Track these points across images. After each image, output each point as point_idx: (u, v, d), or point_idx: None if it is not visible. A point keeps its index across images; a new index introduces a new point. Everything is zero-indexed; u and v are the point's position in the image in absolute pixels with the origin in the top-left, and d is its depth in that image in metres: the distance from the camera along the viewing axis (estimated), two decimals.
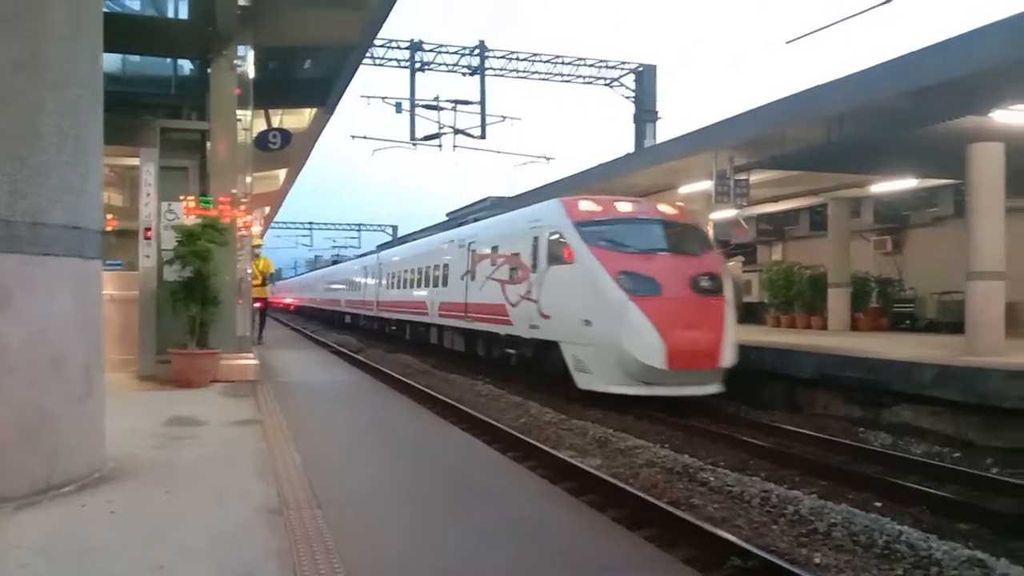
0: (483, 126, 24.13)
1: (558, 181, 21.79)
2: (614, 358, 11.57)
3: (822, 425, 11.14)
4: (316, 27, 11.52)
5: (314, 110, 15.88)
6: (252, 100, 11.97)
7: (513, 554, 4.15)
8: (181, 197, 10.75)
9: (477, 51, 25.56)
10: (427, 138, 24.32)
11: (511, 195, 26.52)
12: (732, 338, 11.92)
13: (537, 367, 14.10)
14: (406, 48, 25.10)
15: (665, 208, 13.69)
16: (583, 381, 12.25)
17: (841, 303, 19.10)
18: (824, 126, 12.85)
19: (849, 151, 13.48)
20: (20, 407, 4.74)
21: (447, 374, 16.59)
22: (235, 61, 11.18)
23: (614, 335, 11.47)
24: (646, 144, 26.79)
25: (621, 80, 28.31)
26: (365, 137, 25.66)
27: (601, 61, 28.23)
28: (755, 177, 15.31)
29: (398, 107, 24.14)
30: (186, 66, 12.66)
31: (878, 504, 7.14)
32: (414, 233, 38.19)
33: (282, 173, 21.22)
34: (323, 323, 41.09)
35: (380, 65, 25.09)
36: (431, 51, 25.48)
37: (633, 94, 28.37)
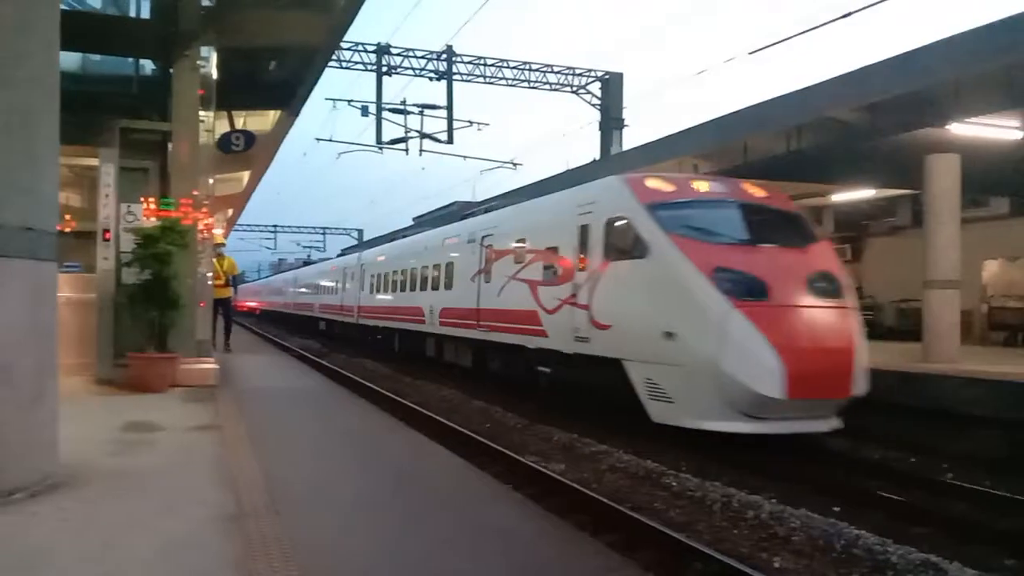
0: (450, 131, 24.06)
1: (522, 188, 21.84)
2: (709, 383, 8.82)
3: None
4: (281, 29, 11.43)
5: (278, 112, 15.73)
6: (215, 101, 11.83)
7: (473, 562, 4.13)
8: (141, 199, 10.59)
9: (445, 56, 25.54)
10: (393, 142, 24.19)
11: (478, 200, 26.48)
12: (864, 357, 9.32)
13: (583, 390, 11.37)
14: (373, 51, 24.99)
15: (752, 188, 10.98)
16: (661, 412, 9.48)
17: None
18: (784, 137, 13.06)
19: (809, 161, 13.71)
20: None
21: (412, 379, 16.50)
22: (198, 62, 11.05)
23: (710, 352, 8.76)
24: (612, 151, 26.98)
25: (587, 87, 28.49)
26: (331, 140, 25.45)
27: (568, 68, 28.38)
28: None
29: (364, 110, 23.98)
30: (148, 66, 12.47)
31: (836, 509, 7.23)
32: (400, 231, 35.19)
33: (245, 175, 20.99)
34: (290, 328, 39.35)
35: (346, 68, 24.96)
36: (398, 55, 25.40)
37: (599, 102, 28.55)
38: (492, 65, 27.04)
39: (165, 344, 10.14)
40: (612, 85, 28.58)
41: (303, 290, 37.98)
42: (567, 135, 70.52)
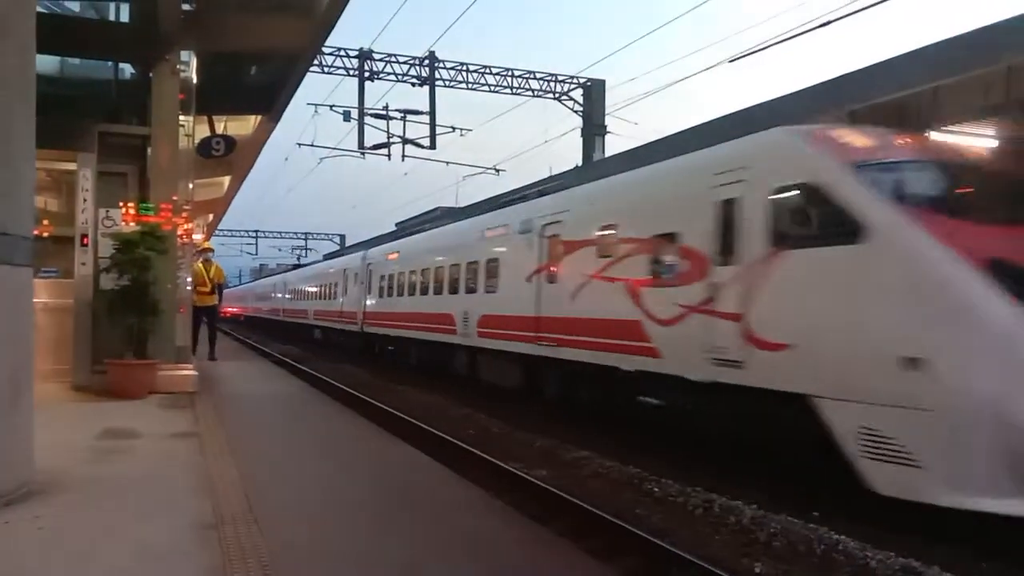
0: (432, 136, 24.06)
1: (506, 192, 21.83)
2: (985, 438, 5.79)
3: None
4: (262, 33, 11.36)
5: (259, 117, 15.65)
6: (195, 106, 11.75)
7: (454, 570, 4.11)
8: (120, 203, 10.49)
9: (427, 62, 25.52)
10: (376, 147, 24.15)
11: (461, 205, 26.42)
12: None
13: (723, 434, 8.52)
14: (355, 57, 24.95)
15: (970, 145, 8.43)
16: (892, 481, 6.21)
17: None
18: None
19: None
20: None
21: (394, 385, 16.43)
22: (178, 66, 10.96)
23: (989, 390, 5.77)
24: (595, 158, 27.03)
25: (570, 94, 28.57)
26: (313, 145, 25.39)
27: (551, 75, 28.44)
28: None
29: (346, 116, 23.93)
30: (127, 70, 12.37)
31: (816, 513, 7.27)
32: (413, 225, 30.13)
33: (226, 180, 20.86)
34: (274, 335, 37.83)
35: (328, 73, 24.88)
36: (381, 60, 25.37)
37: (581, 108, 28.63)
38: (475, 71, 27.07)
39: (144, 350, 10.04)
40: (594, 92, 28.66)
41: (294, 294, 35.02)
42: (548, 141, 70.59)
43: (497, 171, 26.55)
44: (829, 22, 11.64)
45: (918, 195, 6.92)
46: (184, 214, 11.19)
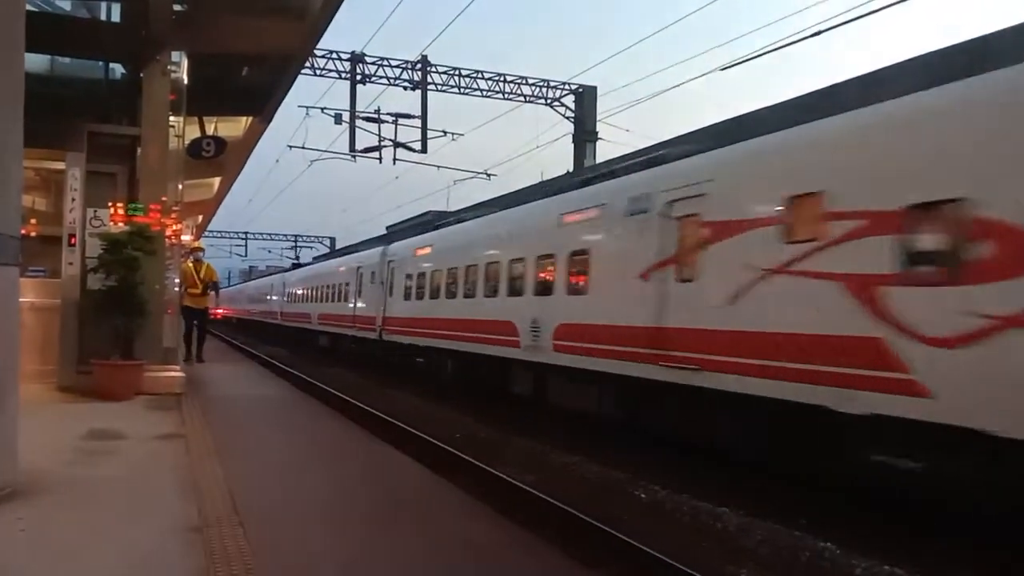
0: (424, 140, 24.06)
1: (498, 197, 21.83)
2: None
3: None
4: (254, 35, 11.33)
5: (250, 119, 15.61)
6: (186, 106, 11.72)
7: (440, 573, 4.10)
8: (109, 204, 10.44)
9: (419, 65, 25.53)
10: (367, 150, 24.13)
11: (451, 210, 26.35)
12: None
13: None
14: (347, 60, 24.92)
15: None
16: None
17: None
18: None
19: None
20: None
21: (382, 388, 16.39)
22: (169, 66, 10.94)
23: None
24: (586, 164, 27.08)
25: (561, 100, 28.62)
26: (303, 147, 25.32)
27: (542, 80, 28.49)
28: None
29: (338, 118, 23.91)
30: (118, 69, 12.32)
31: (803, 521, 7.28)
32: (399, 226, 26.66)
33: (216, 181, 20.79)
34: (267, 338, 35.71)
35: (320, 76, 24.84)
36: (373, 63, 25.36)
37: (573, 114, 28.69)
38: (467, 76, 27.09)
39: (131, 351, 9.99)
40: (585, 98, 28.74)
41: (295, 296, 31.55)
42: (540, 147, 70.69)
43: (488, 176, 26.58)
44: (820, 32, 11.70)
45: None
46: (173, 215, 11.14)
